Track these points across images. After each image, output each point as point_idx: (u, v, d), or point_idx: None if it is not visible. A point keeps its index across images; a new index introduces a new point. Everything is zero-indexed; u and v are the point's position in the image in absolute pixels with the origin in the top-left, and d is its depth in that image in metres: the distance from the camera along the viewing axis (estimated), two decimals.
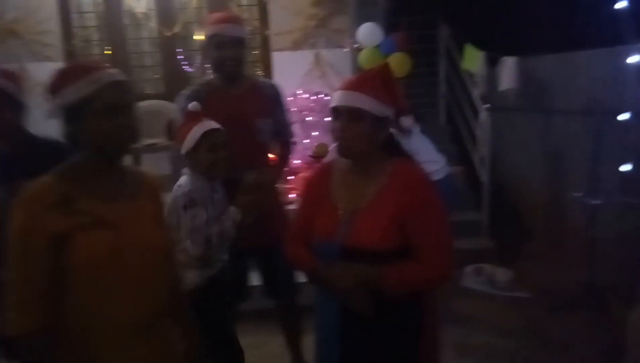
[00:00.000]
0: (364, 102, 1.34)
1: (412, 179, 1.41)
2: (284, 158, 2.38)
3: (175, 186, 1.85)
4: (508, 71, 3.81)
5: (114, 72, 1.15)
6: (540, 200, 3.88)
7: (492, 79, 4.02)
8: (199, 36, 4.72)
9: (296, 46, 4.76)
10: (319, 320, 1.53)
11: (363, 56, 3.92)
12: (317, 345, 1.55)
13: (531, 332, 2.93)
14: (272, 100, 2.23)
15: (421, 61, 4.58)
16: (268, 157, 2.31)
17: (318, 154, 4.10)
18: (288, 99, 4.43)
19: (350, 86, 1.38)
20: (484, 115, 4.00)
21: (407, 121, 2.79)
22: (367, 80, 1.39)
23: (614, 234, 2.94)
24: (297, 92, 4.56)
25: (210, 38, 2.09)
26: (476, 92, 4.19)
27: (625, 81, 2.55)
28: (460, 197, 3.69)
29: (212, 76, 2.23)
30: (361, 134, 1.35)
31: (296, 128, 4.40)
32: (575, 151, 3.44)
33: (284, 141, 2.35)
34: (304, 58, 4.70)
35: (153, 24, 4.84)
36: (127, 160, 4.42)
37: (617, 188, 2.76)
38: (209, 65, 2.18)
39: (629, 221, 2.58)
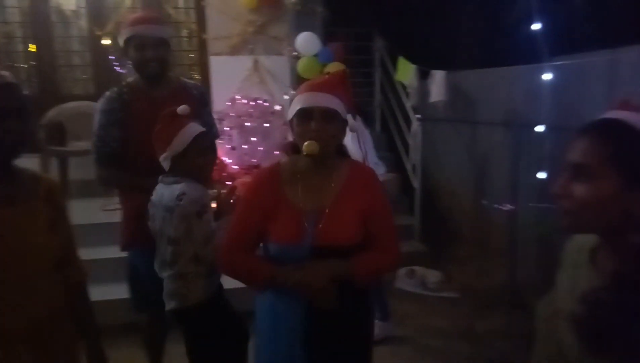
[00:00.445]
0: (336, 104, 1.39)
1: (369, 178, 1.51)
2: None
3: (176, 195, 1.73)
4: (437, 83, 4.02)
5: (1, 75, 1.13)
6: (467, 206, 4.12)
7: (423, 91, 4.23)
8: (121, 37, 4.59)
9: (234, 51, 4.74)
10: (278, 325, 1.48)
11: (301, 64, 3.98)
12: (272, 351, 1.51)
13: (459, 329, 3.11)
14: (197, 101, 2.19)
15: (357, 71, 4.73)
16: None
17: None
18: (226, 104, 4.43)
19: (322, 88, 1.40)
20: (415, 125, 4.20)
21: (357, 122, 2.87)
22: (335, 83, 1.43)
23: (532, 237, 3.19)
24: (236, 97, 4.54)
25: (129, 39, 2.03)
26: (409, 103, 4.39)
27: (541, 95, 2.79)
28: (394, 203, 3.83)
29: (134, 78, 2.16)
30: (334, 135, 1.40)
31: (235, 134, 4.40)
32: (497, 160, 3.70)
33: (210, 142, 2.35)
34: (242, 64, 4.68)
35: (83, 22, 4.63)
36: (51, 165, 4.19)
37: (534, 193, 3.00)
38: (133, 67, 2.12)
39: (544, 224, 2.81)
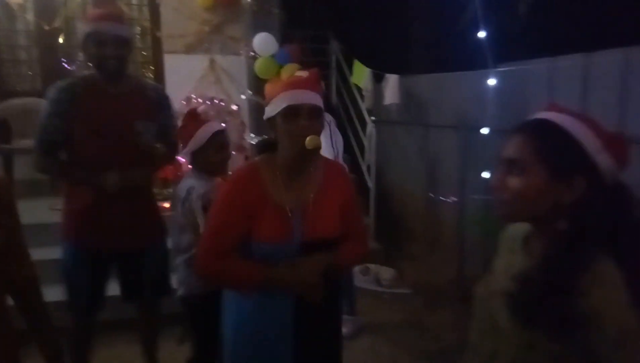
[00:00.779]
0: (320, 101, 1.42)
1: (344, 174, 1.61)
2: (162, 161, 2.33)
3: (185, 189, 1.90)
4: (391, 87, 4.16)
5: None
6: (419, 205, 4.27)
7: (377, 93, 4.35)
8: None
9: (190, 49, 4.69)
10: (265, 323, 1.47)
11: (259, 65, 3.99)
12: (255, 349, 1.49)
13: (411, 323, 3.23)
14: (156, 103, 2.19)
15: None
16: (149, 162, 2.22)
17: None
18: (181, 102, 4.37)
19: (308, 85, 1.41)
20: (370, 127, 4.31)
21: (330, 121, 2.94)
22: (315, 81, 1.45)
23: (478, 232, 3.36)
24: (192, 96, 4.50)
25: (89, 35, 2.00)
26: (364, 105, 4.50)
27: (486, 100, 2.95)
28: None
29: (91, 72, 2.11)
30: (320, 131, 1.42)
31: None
32: (447, 161, 3.86)
33: (167, 144, 2.28)
34: (197, 63, 4.65)
35: (30, 16, 4.45)
36: None
37: (481, 192, 3.16)
38: (90, 63, 2.08)
39: (490, 221, 2.97)
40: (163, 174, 4.32)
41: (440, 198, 3.42)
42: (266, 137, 1.64)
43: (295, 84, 1.40)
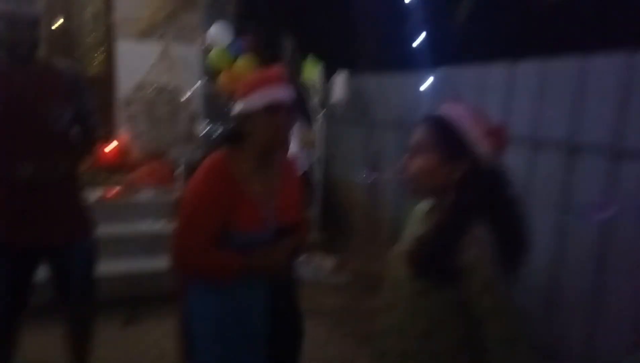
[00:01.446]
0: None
1: (295, 165, 1.76)
2: (82, 149, 2.16)
3: None
4: (340, 84, 4.30)
5: None
6: (360, 198, 4.46)
7: (327, 90, 4.50)
8: None
9: (143, 35, 4.67)
10: (241, 309, 1.53)
11: (213, 55, 4.06)
12: (232, 336, 1.53)
13: (347, 309, 3.41)
14: (70, 84, 2.02)
15: (267, 65, 4.87)
16: (67, 148, 2.06)
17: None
18: (136, 87, 4.37)
19: (285, 82, 1.50)
20: (320, 121, 4.46)
21: None
22: (287, 77, 1.52)
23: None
24: (143, 82, 4.50)
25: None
26: (314, 100, 4.64)
27: (425, 99, 3.16)
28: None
29: None
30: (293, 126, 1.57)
31: (140, 121, 4.36)
32: (388, 157, 4.06)
33: (86, 131, 2.13)
34: (151, 49, 4.64)
35: None
36: None
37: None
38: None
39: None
40: (110, 162, 4.32)
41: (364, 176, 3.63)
42: (224, 128, 1.74)
43: (276, 80, 1.47)
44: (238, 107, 1.49)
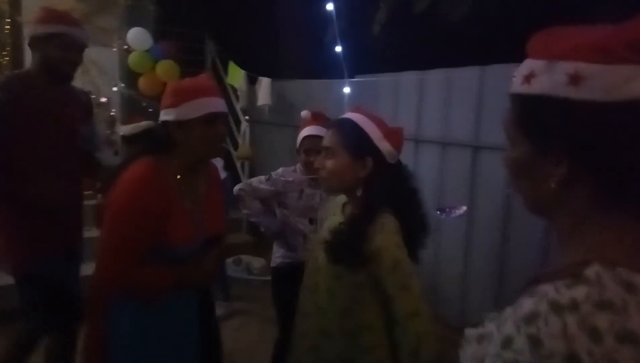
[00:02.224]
0: None
1: (218, 173, 1.74)
2: (94, 167, 2.26)
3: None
4: (264, 89, 4.43)
5: None
6: None
7: (252, 94, 4.61)
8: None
9: None
10: (172, 320, 1.49)
11: (133, 59, 4.01)
12: (162, 349, 1.49)
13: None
14: (87, 108, 2.18)
15: (189, 71, 4.87)
16: (90, 169, 2.21)
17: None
18: None
19: (219, 93, 1.50)
20: (244, 126, 4.55)
21: None
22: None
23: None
24: None
25: (51, 36, 1.91)
26: (238, 105, 4.72)
27: (345, 105, 3.39)
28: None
29: (25, 71, 2.02)
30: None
31: None
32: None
33: (93, 151, 2.25)
34: None
35: None
36: None
37: None
38: (39, 62, 1.95)
39: None
40: None
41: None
42: (148, 135, 1.72)
43: (211, 91, 1.45)
44: (168, 115, 1.42)
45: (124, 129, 3.39)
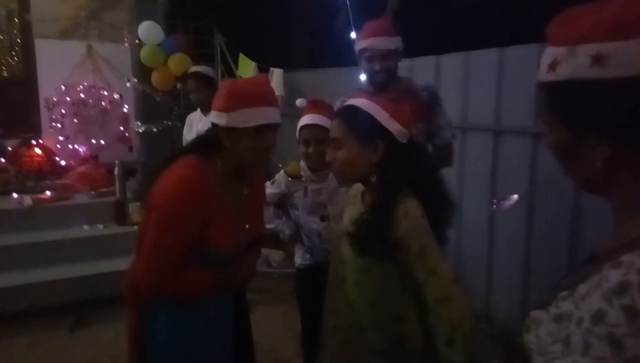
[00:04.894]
0: None
1: (260, 177, 1.69)
2: None
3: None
4: (276, 80, 4.39)
5: None
6: None
7: None
8: None
9: (64, 35, 4.47)
10: (207, 323, 1.46)
11: (145, 53, 3.99)
12: (198, 350, 1.47)
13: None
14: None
15: (200, 63, 4.85)
16: None
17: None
18: (61, 89, 4.17)
19: (276, 103, 1.45)
20: None
21: None
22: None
23: None
24: (69, 82, 4.30)
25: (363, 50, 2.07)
26: None
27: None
28: None
29: None
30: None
31: (67, 123, 4.17)
32: None
33: None
34: (73, 49, 4.45)
35: None
36: None
37: None
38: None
39: None
40: (38, 167, 4.10)
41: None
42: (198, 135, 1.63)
43: (266, 100, 1.38)
44: (219, 118, 1.36)
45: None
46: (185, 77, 3.59)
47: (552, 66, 0.62)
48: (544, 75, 0.64)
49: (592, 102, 0.59)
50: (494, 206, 1.54)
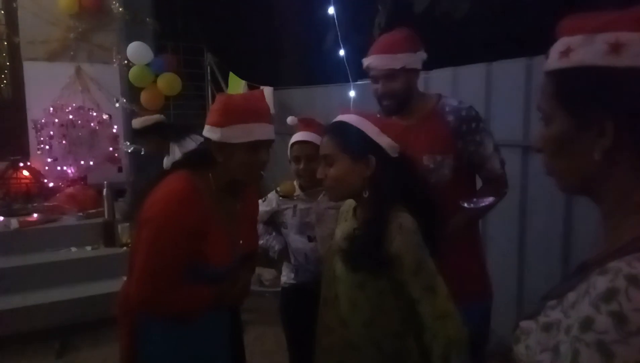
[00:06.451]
0: None
1: (253, 191, 1.66)
2: None
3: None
4: (267, 98, 4.39)
5: None
6: None
7: None
8: None
9: (52, 57, 4.46)
10: (202, 340, 1.44)
11: (133, 73, 3.99)
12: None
13: None
14: None
15: (189, 83, 4.86)
16: None
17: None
18: (50, 111, 4.13)
19: (270, 119, 1.43)
20: None
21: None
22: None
23: None
24: (58, 104, 4.27)
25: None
26: None
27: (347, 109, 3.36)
28: None
29: None
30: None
31: (55, 144, 4.13)
32: None
33: None
34: (62, 70, 4.43)
35: None
36: None
37: None
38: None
39: None
40: (25, 189, 4.05)
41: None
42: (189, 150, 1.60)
43: (261, 116, 1.36)
44: (213, 133, 1.34)
45: (134, 123, 3.37)
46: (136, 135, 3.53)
47: (565, 53, 0.62)
48: (555, 62, 0.63)
49: (602, 90, 0.58)
50: (466, 205, 1.51)
